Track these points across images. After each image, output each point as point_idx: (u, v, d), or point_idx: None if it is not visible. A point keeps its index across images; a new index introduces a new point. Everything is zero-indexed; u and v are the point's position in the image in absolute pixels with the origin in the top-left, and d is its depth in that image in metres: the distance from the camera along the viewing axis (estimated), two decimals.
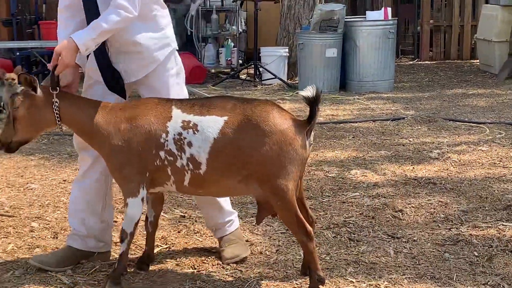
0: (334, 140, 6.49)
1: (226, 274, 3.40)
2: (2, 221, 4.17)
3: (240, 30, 11.96)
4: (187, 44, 13.85)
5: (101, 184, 3.51)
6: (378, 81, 9.71)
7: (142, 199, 3.21)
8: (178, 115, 3.15)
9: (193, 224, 4.12)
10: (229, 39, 12.03)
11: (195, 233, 3.98)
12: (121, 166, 3.17)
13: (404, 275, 3.38)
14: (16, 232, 4.01)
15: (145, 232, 3.54)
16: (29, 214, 4.33)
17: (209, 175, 3.13)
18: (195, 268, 3.49)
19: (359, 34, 9.75)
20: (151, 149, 3.14)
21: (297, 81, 10.63)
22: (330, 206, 4.45)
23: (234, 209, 3.79)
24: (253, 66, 11.03)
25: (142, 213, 3.30)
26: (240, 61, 12.08)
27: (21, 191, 4.85)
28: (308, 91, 3.06)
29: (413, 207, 4.38)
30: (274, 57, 10.76)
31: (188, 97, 3.52)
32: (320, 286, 3.18)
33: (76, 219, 3.54)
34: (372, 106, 8.46)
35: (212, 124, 3.11)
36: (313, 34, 9.77)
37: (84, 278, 3.37)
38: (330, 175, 5.22)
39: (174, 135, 3.13)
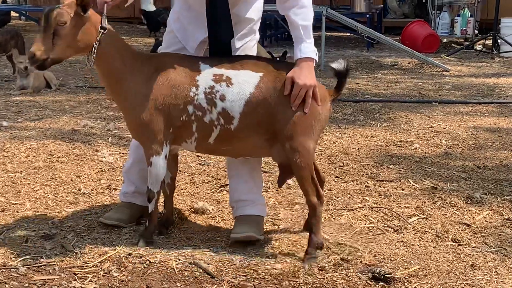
0: None
1: (491, 252, 3.30)
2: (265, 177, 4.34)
3: None
4: (418, 11, 13.58)
5: None
6: None
7: (166, 157, 3.12)
8: (207, 69, 3.07)
9: (448, 196, 4.05)
10: (466, 8, 11.57)
11: (452, 206, 3.90)
12: (146, 122, 3.05)
13: None
14: (275, 188, 4.19)
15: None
16: None
17: (239, 131, 3.06)
18: (456, 242, 3.42)
19: None
20: (179, 104, 3.04)
21: None
22: None
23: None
24: (491, 37, 10.55)
25: None
26: (476, 32, 11.59)
27: None
28: (339, 64, 3.08)
29: None
30: None
31: None
32: (318, 251, 3.12)
33: (139, 178, 3.53)
34: None
35: (248, 78, 3.04)
36: None
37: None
38: None
39: (205, 88, 3.03)
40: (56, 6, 2.99)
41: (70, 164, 4.53)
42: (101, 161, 4.63)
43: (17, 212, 3.66)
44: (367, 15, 11.38)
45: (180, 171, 4.25)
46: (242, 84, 3.04)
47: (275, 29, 12.22)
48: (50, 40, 2.94)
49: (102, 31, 3.05)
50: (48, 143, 4.96)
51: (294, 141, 3.03)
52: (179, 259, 3.11)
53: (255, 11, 3.37)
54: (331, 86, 3.23)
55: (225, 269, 3.04)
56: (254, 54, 3.42)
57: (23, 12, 13.66)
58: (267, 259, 3.15)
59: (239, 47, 3.36)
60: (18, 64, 6.96)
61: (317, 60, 3.14)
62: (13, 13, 14.36)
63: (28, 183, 4.11)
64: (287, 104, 3.02)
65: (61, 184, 4.13)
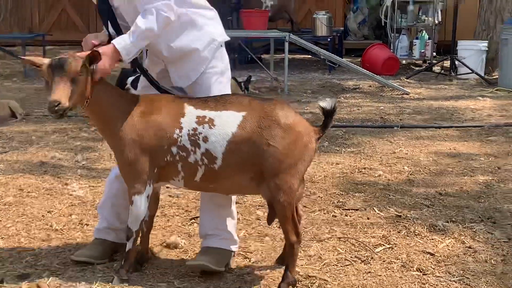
0: None
1: (454, 281, 3.44)
2: None
3: (436, 21, 11.74)
4: (377, 33, 13.86)
5: None
6: None
7: (148, 196, 3.23)
8: (192, 111, 3.18)
9: (412, 225, 4.19)
10: (424, 31, 11.85)
11: (416, 235, 4.04)
12: (131, 161, 3.16)
13: None
14: (245, 219, 4.28)
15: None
16: (252, 202, 4.60)
17: (223, 170, 3.14)
18: (421, 271, 3.55)
19: None
20: (163, 145, 3.15)
21: (495, 76, 10.30)
22: None
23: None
24: (449, 59, 10.81)
25: None
26: (434, 54, 11.88)
27: None
28: (327, 103, 3.21)
29: None
30: (471, 51, 10.50)
31: None
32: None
33: (112, 213, 3.61)
34: None
35: (230, 118, 3.14)
36: None
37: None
38: None
39: (189, 130, 3.14)
40: (66, 56, 3.06)
41: (40, 199, 4.57)
42: (71, 195, 4.67)
43: None
44: (328, 38, 11.58)
45: None
46: (224, 124, 3.14)
47: (238, 53, 12.33)
48: (70, 89, 3.01)
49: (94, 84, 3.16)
50: (17, 177, 4.99)
51: (278, 179, 3.11)
52: None
53: (193, 40, 3.39)
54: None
55: None
56: (219, 87, 3.46)
57: None
58: None
59: (194, 80, 3.41)
60: None
61: (123, 57, 3.16)
62: None
63: (0, 220, 4.14)
64: (272, 142, 3.10)
65: (32, 220, 4.16)
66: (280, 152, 3.11)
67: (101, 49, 3.16)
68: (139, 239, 3.48)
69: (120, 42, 3.17)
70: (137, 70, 3.48)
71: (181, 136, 3.16)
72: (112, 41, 3.20)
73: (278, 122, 3.13)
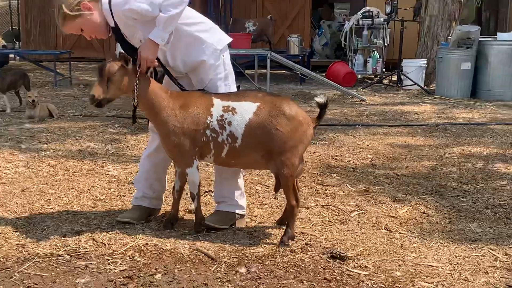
0: (475, 139, 6.54)
1: (414, 236, 3.66)
2: None
3: (385, 44, 12.03)
4: (337, 53, 14.13)
5: (168, 158, 3.69)
6: (506, 91, 9.54)
7: (197, 167, 3.45)
8: (218, 102, 3.37)
9: (378, 196, 4.41)
10: (375, 51, 12.13)
11: (381, 203, 4.26)
12: (177, 143, 3.35)
13: None
14: (247, 192, 4.46)
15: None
16: (252, 180, 4.79)
17: (242, 148, 3.34)
18: (388, 229, 3.76)
19: (490, 51, 9.60)
20: (200, 129, 3.35)
21: (432, 88, 10.58)
22: (484, 191, 4.59)
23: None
24: (396, 74, 11.09)
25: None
26: (384, 69, 12.15)
27: None
28: (321, 98, 3.38)
29: None
30: (414, 67, 10.77)
31: None
32: (290, 241, 3.42)
33: (146, 184, 3.80)
34: (502, 112, 8.35)
35: (248, 107, 3.34)
36: (451, 50, 9.71)
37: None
38: (477, 167, 5.32)
39: (217, 116, 3.34)
40: (108, 61, 3.26)
41: (84, 177, 4.71)
42: (107, 174, 4.82)
43: (51, 214, 3.84)
44: (300, 57, 11.81)
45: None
46: (243, 112, 3.35)
47: None
48: (105, 85, 3.23)
49: (137, 80, 3.33)
50: (62, 161, 5.12)
51: (283, 156, 3.33)
52: (185, 247, 3.36)
53: (200, 54, 3.48)
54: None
55: (221, 253, 3.30)
56: (225, 89, 3.57)
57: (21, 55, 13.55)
58: (251, 245, 3.43)
59: (207, 83, 3.56)
60: (27, 98, 7.06)
61: (159, 43, 3.28)
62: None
63: (54, 192, 4.28)
64: (279, 128, 3.31)
65: (80, 192, 4.31)
66: (284, 135, 3.31)
67: (141, 46, 3.32)
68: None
69: (153, 33, 3.28)
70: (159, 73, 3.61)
71: (212, 121, 3.36)
72: (149, 36, 3.28)
73: (284, 112, 3.33)
